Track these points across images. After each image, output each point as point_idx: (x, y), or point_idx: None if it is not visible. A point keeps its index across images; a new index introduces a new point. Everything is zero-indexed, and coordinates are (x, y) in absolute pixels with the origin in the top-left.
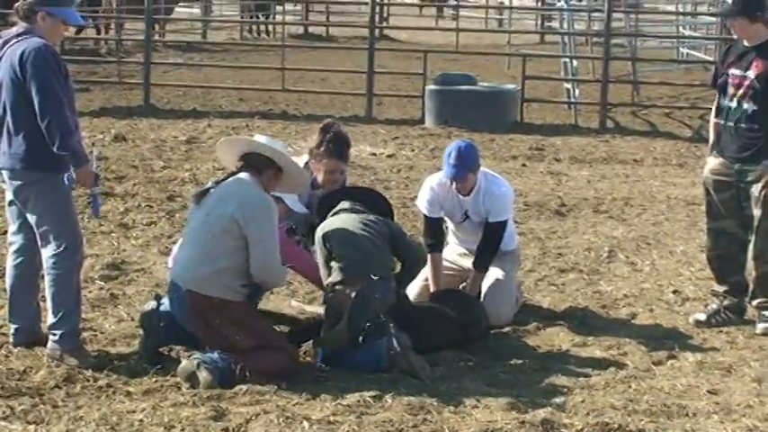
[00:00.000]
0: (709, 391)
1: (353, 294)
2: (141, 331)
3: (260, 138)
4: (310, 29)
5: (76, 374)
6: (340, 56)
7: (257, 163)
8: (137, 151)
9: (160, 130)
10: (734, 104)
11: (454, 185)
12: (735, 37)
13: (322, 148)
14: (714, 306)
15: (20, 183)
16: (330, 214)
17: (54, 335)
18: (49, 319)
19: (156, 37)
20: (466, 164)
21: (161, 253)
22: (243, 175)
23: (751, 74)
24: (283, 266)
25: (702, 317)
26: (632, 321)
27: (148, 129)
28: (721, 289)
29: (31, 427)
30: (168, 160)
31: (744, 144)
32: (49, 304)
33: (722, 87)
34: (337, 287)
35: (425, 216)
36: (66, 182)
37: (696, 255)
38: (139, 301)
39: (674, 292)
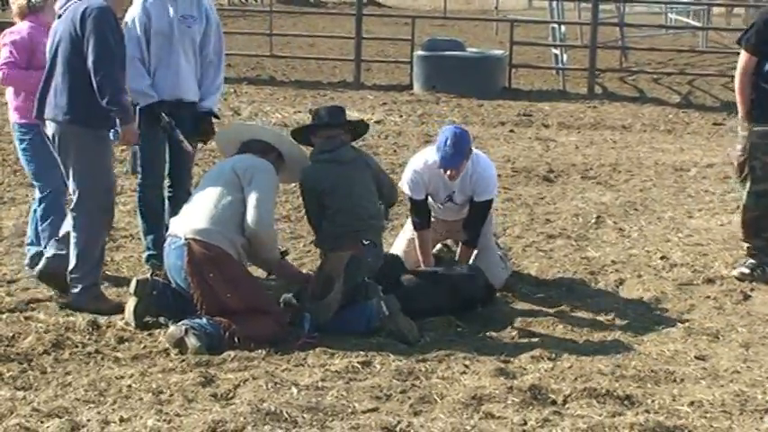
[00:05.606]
0: (696, 357)
1: (347, 259)
2: (132, 298)
3: (258, 124)
4: None
5: (65, 340)
6: (328, 21)
7: (258, 150)
8: None
9: None
10: None
11: (448, 173)
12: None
13: None
14: (754, 261)
15: (61, 134)
16: (318, 152)
17: (75, 287)
18: (72, 270)
19: None
20: (461, 151)
21: None
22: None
23: None
24: (273, 227)
25: (746, 270)
26: (620, 287)
27: None
28: (760, 243)
29: (20, 392)
30: None
31: None
32: (72, 257)
33: None
34: (330, 253)
35: (411, 198)
36: (112, 137)
37: (684, 220)
38: (127, 266)
39: (662, 257)
